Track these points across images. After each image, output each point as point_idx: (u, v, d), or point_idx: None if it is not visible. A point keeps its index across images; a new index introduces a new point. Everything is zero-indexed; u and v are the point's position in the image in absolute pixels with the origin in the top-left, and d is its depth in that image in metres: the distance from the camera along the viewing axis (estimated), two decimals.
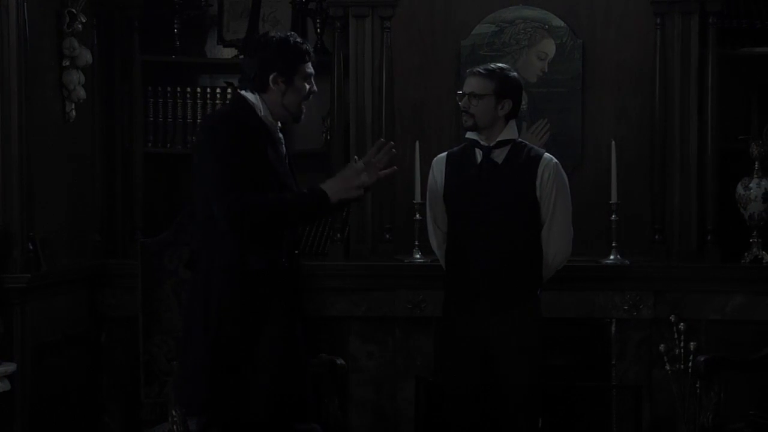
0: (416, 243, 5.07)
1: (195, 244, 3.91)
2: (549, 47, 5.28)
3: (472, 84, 4.37)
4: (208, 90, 5.52)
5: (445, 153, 4.54)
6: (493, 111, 4.34)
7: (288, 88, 3.87)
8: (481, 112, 4.34)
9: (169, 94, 5.51)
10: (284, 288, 3.85)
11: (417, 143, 5.06)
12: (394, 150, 3.94)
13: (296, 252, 3.98)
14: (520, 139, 4.45)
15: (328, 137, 5.44)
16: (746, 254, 5.08)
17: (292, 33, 3.96)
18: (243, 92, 3.91)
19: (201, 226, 3.85)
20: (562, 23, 5.26)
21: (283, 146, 3.96)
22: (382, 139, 4.18)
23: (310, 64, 3.90)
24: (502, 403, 4.37)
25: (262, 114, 3.86)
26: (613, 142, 5.02)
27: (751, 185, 5.08)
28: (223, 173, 3.71)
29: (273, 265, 3.81)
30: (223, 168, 3.72)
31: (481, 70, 4.38)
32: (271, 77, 3.85)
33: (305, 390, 3.91)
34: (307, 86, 3.90)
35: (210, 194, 3.74)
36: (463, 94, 4.38)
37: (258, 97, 3.87)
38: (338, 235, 5.27)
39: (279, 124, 3.94)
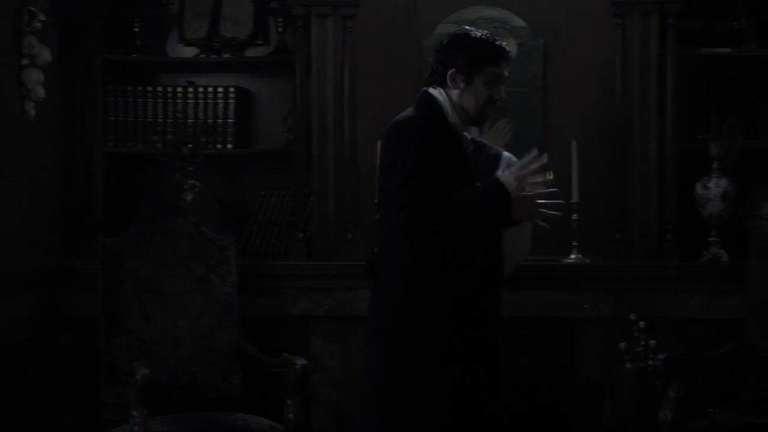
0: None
1: (378, 251, 3.73)
2: (511, 47, 5.27)
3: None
4: (169, 89, 5.48)
5: None
6: None
7: (466, 87, 3.65)
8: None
9: (129, 93, 5.47)
10: (471, 312, 3.59)
11: (378, 143, 5.03)
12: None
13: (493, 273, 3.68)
14: (478, 138, 4.46)
15: (290, 137, 5.43)
16: (705, 253, 5.12)
17: (492, 34, 3.73)
18: (431, 90, 3.69)
19: (384, 234, 3.67)
20: (524, 23, 5.28)
21: (469, 148, 3.74)
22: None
23: (499, 69, 3.65)
24: None
25: (450, 115, 3.65)
26: (574, 142, 5.04)
27: (710, 185, 5.12)
28: (402, 184, 3.49)
29: (457, 285, 3.58)
30: (402, 178, 3.49)
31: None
32: (449, 73, 3.65)
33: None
34: (488, 91, 3.64)
35: (389, 206, 3.55)
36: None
37: (445, 95, 3.67)
38: (300, 235, 5.26)
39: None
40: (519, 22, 5.28)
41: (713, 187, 5.11)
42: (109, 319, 4.68)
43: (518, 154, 4.44)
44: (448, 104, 3.66)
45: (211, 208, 5.42)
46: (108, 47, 5.41)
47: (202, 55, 5.54)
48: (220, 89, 5.47)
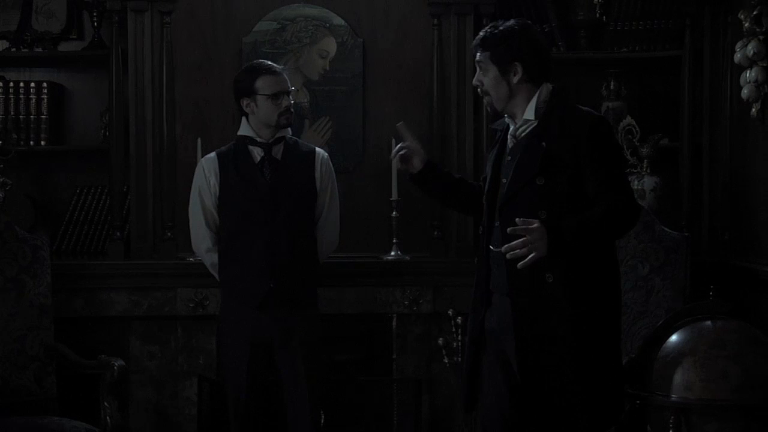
0: None
1: None
2: (330, 46, 5.33)
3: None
4: None
5: (214, 153, 4.52)
6: None
7: None
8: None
9: None
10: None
11: (199, 140, 4.99)
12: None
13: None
14: (290, 136, 4.49)
15: (107, 134, 5.32)
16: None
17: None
18: None
19: None
20: (343, 22, 5.32)
21: (509, 140, 3.78)
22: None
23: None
24: (283, 400, 4.40)
25: None
26: (393, 140, 5.09)
27: None
28: None
29: None
30: None
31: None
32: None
33: None
34: None
35: None
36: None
37: None
38: (118, 234, 5.16)
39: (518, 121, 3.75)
40: (338, 20, 5.32)
41: None
42: None
43: (339, 152, 4.50)
44: None
45: (25, 207, 5.28)
46: None
47: (13, 49, 5.37)
48: (33, 84, 5.32)
